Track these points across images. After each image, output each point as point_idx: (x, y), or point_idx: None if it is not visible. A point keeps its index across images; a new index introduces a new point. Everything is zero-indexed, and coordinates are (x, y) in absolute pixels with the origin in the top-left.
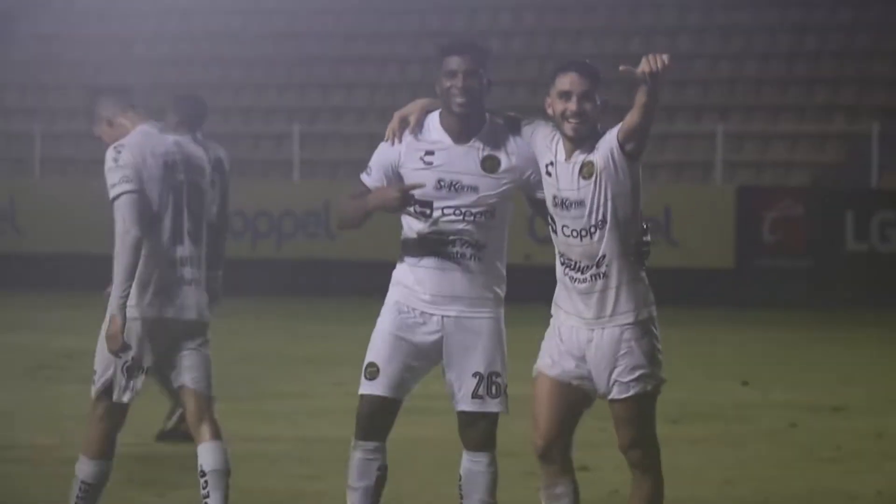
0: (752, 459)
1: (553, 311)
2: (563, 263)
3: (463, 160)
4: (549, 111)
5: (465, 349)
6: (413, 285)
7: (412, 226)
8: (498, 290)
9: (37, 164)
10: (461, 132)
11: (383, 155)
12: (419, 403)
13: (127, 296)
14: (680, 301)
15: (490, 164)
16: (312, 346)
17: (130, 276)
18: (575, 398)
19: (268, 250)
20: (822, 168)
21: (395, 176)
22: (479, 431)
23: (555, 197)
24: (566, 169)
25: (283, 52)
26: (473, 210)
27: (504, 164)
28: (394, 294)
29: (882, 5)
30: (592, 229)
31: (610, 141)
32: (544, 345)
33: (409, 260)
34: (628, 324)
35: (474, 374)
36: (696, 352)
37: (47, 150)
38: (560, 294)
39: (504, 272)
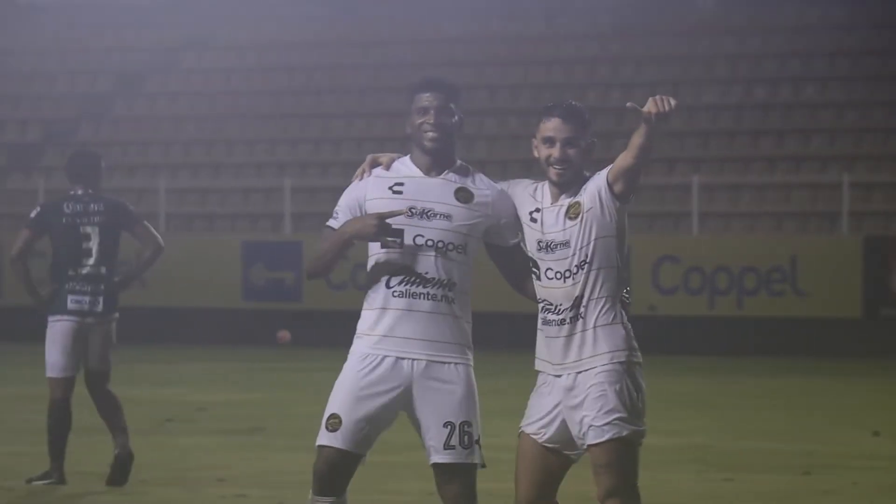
0: None
1: (536, 365)
2: (543, 309)
3: (435, 190)
4: (535, 153)
5: (434, 397)
6: (379, 331)
7: (380, 262)
8: (468, 334)
9: (162, 219)
10: (432, 167)
11: (349, 195)
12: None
13: None
14: (807, 351)
15: (464, 196)
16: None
17: None
18: (554, 462)
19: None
20: None
21: (361, 213)
22: (456, 486)
23: (539, 241)
24: (552, 212)
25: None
26: (446, 240)
27: (477, 198)
28: (358, 343)
29: None
30: (575, 269)
31: (598, 181)
32: (530, 402)
33: (375, 303)
34: (603, 367)
35: (445, 424)
36: (824, 402)
37: (172, 205)
38: (539, 345)
39: (470, 317)
